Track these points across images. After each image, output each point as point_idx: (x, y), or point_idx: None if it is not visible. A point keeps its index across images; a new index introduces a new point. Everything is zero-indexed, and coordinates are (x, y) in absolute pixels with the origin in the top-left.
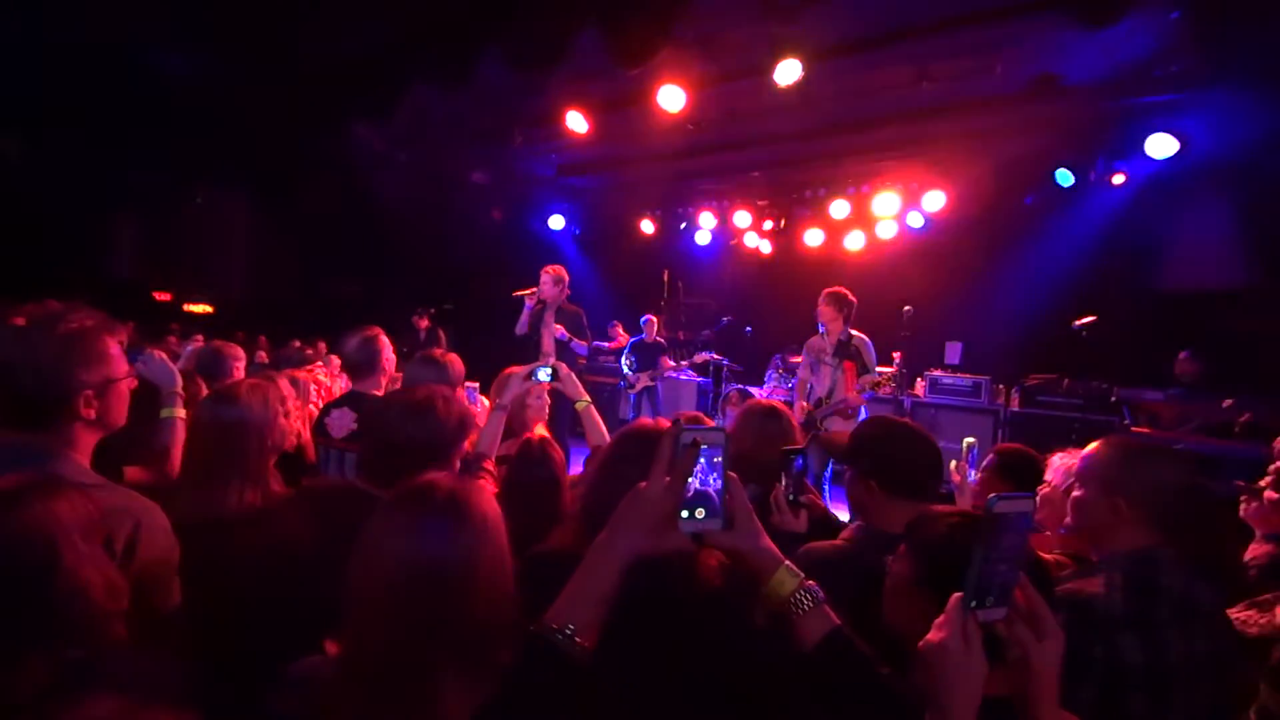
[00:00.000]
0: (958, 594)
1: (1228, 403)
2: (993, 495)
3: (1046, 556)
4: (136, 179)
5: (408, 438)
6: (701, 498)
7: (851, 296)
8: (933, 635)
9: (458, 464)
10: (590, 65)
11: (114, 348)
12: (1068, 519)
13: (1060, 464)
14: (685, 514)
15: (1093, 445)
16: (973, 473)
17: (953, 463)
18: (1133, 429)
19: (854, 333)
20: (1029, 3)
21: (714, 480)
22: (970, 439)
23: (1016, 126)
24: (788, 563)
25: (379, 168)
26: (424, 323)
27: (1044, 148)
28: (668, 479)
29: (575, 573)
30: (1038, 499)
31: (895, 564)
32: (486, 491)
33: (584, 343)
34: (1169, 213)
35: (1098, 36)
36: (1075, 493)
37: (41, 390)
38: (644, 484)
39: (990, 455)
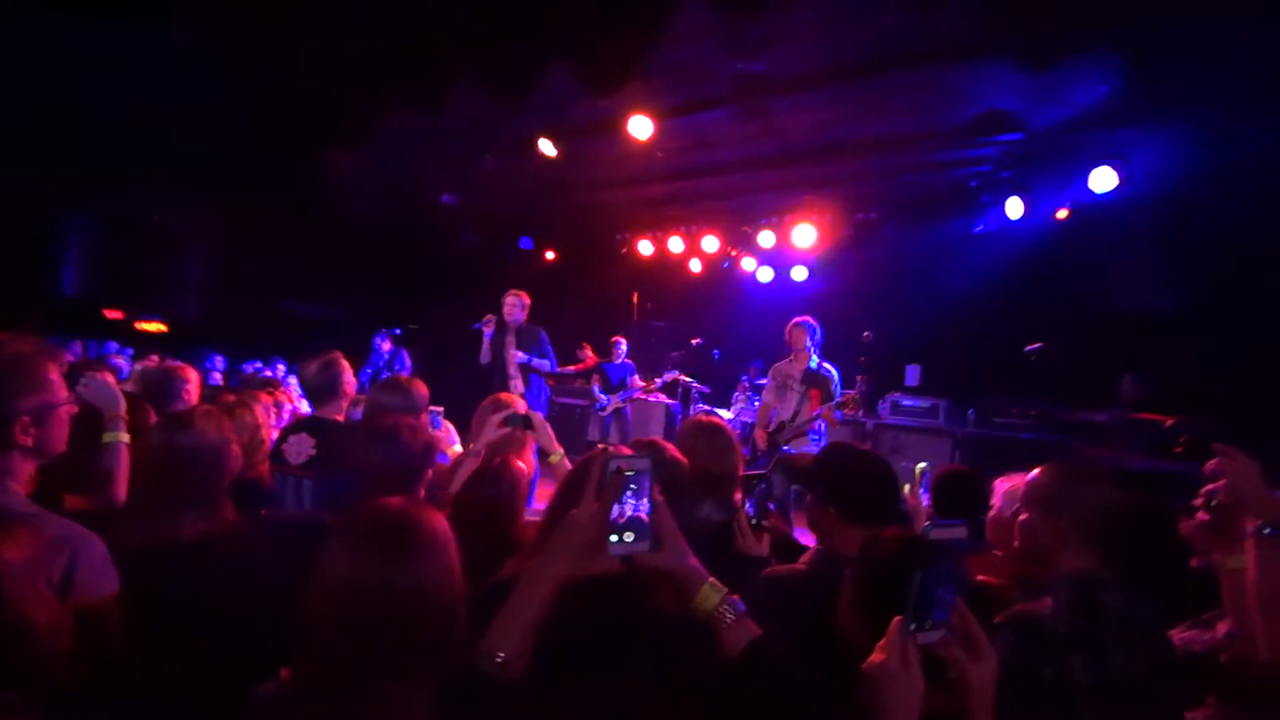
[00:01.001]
0: (898, 617)
1: (1170, 422)
2: (928, 523)
3: (996, 581)
4: (89, 194)
5: (372, 466)
6: (632, 523)
7: (819, 326)
8: (875, 656)
9: (422, 493)
10: (561, 92)
11: (53, 373)
12: (1015, 541)
13: (1003, 488)
14: (615, 538)
15: (1036, 469)
16: (925, 496)
17: (906, 486)
18: (1085, 451)
19: (822, 362)
20: (976, 46)
21: (644, 505)
22: (922, 464)
23: (968, 158)
24: (711, 579)
25: (346, 189)
26: (386, 345)
27: (993, 178)
28: (595, 505)
29: (508, 599)
30: (987, 521)
31: (846, 584)
32: (437, 513)
33: (545, 361)
34: (1112, 240)
35: (1042, 78)
36: (1021, 515)
37: None
38: (574, 510)
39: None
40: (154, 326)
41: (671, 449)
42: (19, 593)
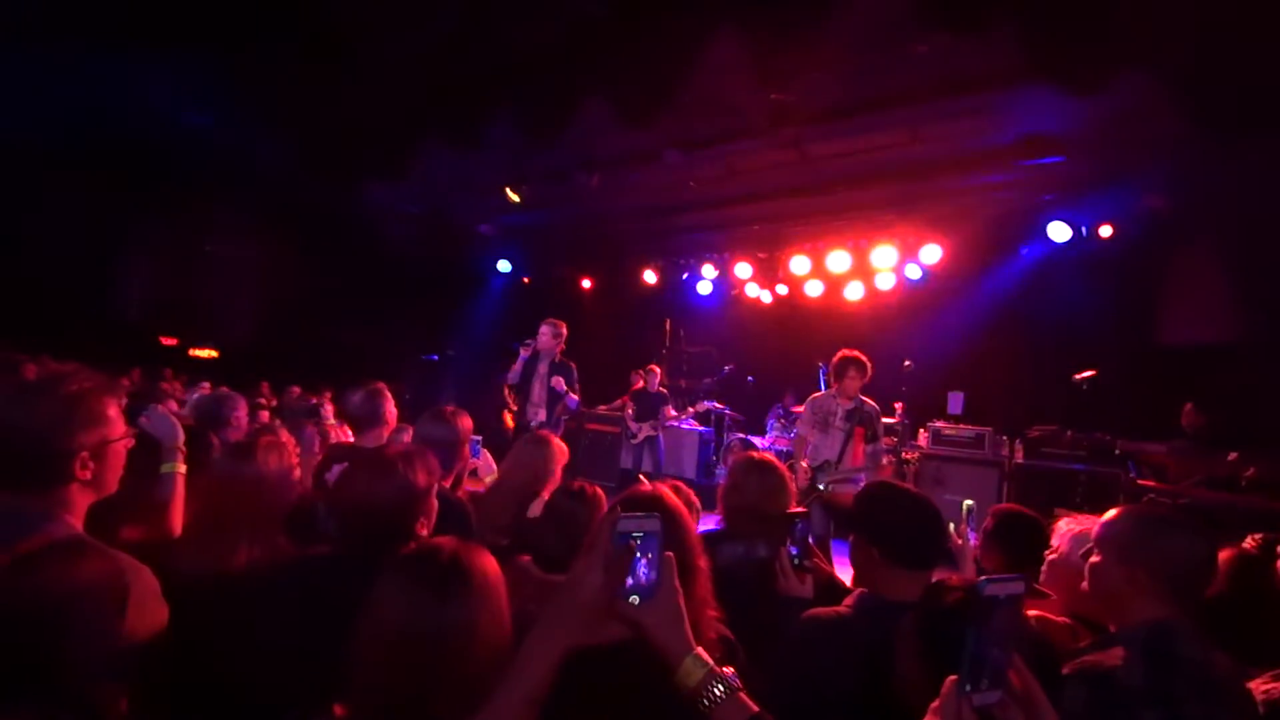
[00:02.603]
0: (952, 677)
1: (1233, 456)
2: (983, 578)
3: (1061, 620)
4: (146, 227)
5: (362, 500)
6: (641, 588)
7: (870, 364)
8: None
9: (424, 527)
10: (596, 123)
11: (113, 409)
12: (1084, 583)
13: (1067, 530)
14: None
15: (1112, 511)
16: (973, 535)
17: (951, 525)
18: (1138, 482)
19: (865, 400)
20: (1017, 71)
21: (653, 570)
22: (969, 501)
23: (1009, 181)
24: (698, 651)
25: (387, 220)
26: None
27: (1037, 201)
28: (601, 575)
29: (508, 670)
30: (1045, 565)
31: (904, 633)
32: (486, 554)
33: (575, 396)
34: (1162, 266)
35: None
36: (1093, 558)
37: (39, 452)
38: (579, 578)
39: (989, 518)
40: (206, 353)
41: (674, 504)
42: (84, 624)
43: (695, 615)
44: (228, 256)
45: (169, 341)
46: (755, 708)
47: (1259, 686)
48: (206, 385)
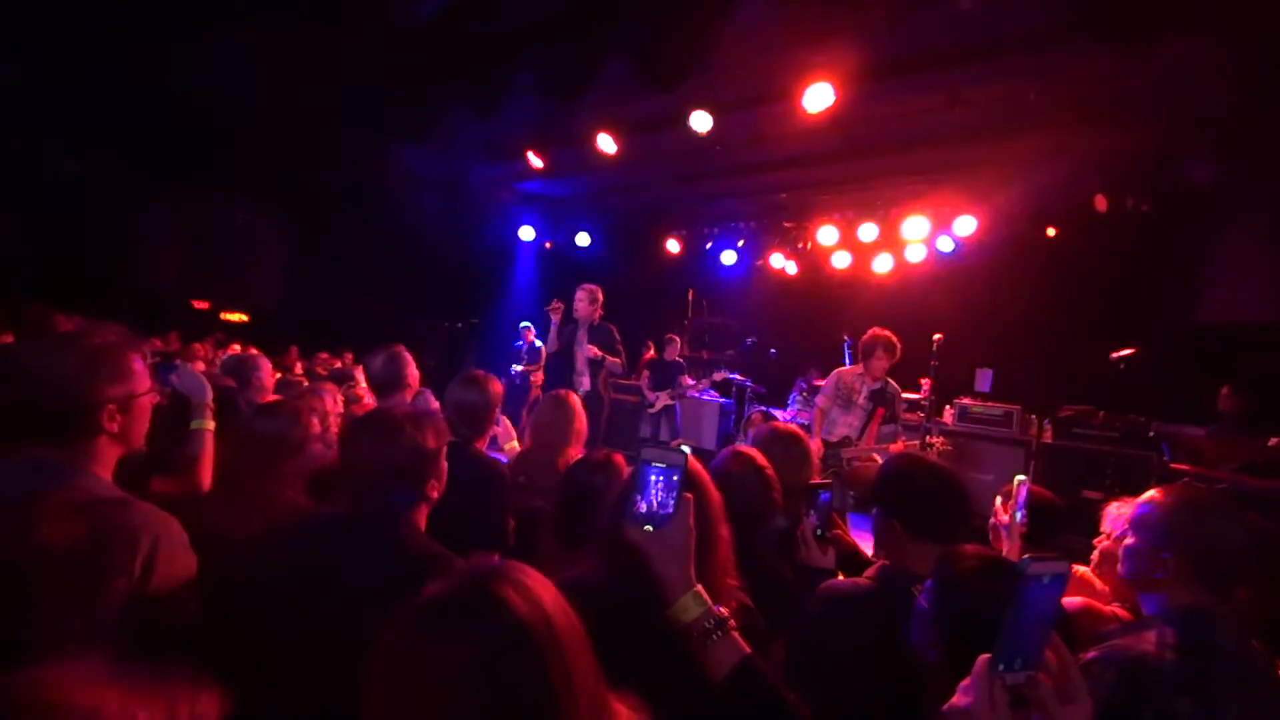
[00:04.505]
0: (985, 655)
1: (1274, 441)
2: (1026, 556)
3: (1104, 609)
4: (180, 197)
5: (368, 463)
6: (654, 516)
7: (900, 344)
8: (958, 699)
9: (435, 489)
10: (618, 88)
11: (137, 363)
12: (1120, 566)
13: (1117, 513)
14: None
15: (1150, 493)
16: (1020, 513)
17: (997, 499)
18: (1172, 465)
19: (890, 381)
20: (1064, 32)
21: (670, 501)
22: (1021, 476)
23: (1047, 149)
24: (698, 589)
25: (410, 187)
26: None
27: (1078, 174)
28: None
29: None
30: (1096, 551)
31: (919, 601)
32: (534, 575)
33: (618, 360)
34: (1206, 241)
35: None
36: (1128, 539)
37: (66, 404)
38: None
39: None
40: (237, 317)
41: (699, 471)
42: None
43: (714, 583)
44: (257, 225)
45: (201, 305)
46: (747, 649)
47: None
48: (235, 346)
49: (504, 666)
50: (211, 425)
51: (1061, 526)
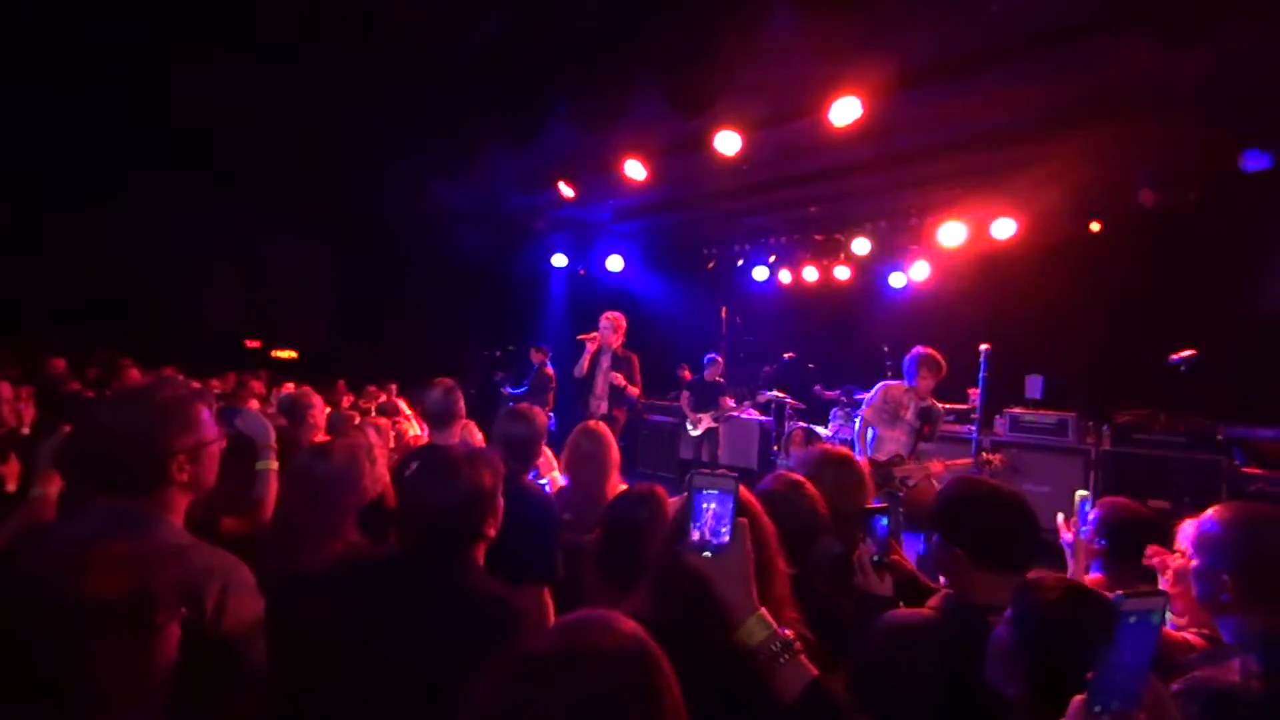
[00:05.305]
0: (1079, 696)
1: None
2: (1120, 592)
3: (1178, 636)
4: (231, 237)
5: (438, 502)
6: (710, 545)
7: (945, 364)
8: None
9: (491, 528)
10: (647, 113)
11: (204, 413)
12: (1194, 590)
13: (1188, 531)
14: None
15: (1208, 511)
16: (1085, 529)
17: (1060, 517)
18: (1242, 470)
19: (934, 401)
20: (1105, 24)
21: (724, 528)
22: (1083, 491)
23: (1090, 147)
24: (762, 611)
25: (447, 218)
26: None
27: (1122, 165)
28: None
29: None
30: (1171, 574)
31: (998, 633)
32: (635, 626)
33: (636, 390)
34: (1261, 231)
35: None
36: (1193, 561)
37: (140, 456)
38: None
39: (1095, 511)
40: (287, 354)
41: (754, 504)
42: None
43: (775, 615)
44: (306, 262)
45: (253, 344)
46: (815, 671)
47: None
48: (289, 385)
49: (606, 717)
50: (275, 465)
51: (1157, 539)
